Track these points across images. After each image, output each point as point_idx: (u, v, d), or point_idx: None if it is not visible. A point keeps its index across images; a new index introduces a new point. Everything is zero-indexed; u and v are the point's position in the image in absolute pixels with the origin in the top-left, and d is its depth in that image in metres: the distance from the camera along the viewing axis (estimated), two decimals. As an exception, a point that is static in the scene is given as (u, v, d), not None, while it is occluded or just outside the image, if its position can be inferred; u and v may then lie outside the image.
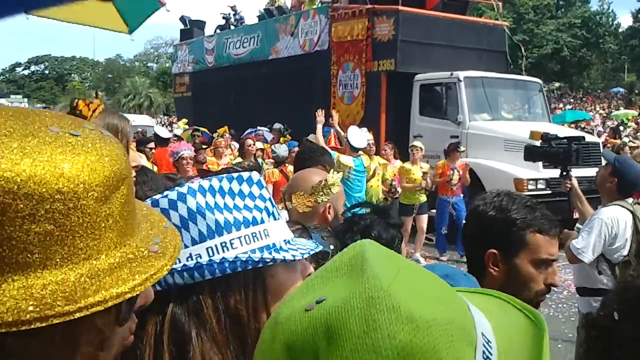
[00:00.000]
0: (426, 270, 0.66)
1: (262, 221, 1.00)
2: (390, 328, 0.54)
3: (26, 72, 77.56)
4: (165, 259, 0.68)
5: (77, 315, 0.58)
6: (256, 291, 0.96)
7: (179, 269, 0.92)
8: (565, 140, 5.37)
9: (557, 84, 38.86)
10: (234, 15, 18.66)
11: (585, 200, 4.31)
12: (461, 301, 0.63)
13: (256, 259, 0.93)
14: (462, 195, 9.69)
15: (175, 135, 13.34)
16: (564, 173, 4.61)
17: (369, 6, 12.57)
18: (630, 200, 3.94)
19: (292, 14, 15.13)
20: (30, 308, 0.56)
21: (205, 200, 0.96)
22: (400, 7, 12.07)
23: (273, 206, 1.04)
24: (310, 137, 10.87)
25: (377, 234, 1.95)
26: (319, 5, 14.85)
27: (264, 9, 16.79)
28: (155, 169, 8.16)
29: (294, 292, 0.66)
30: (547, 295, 1.95)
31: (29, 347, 0.60)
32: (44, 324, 0.57)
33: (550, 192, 9.31)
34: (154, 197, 0.99)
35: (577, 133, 10.47)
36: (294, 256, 0.99)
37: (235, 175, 1.02)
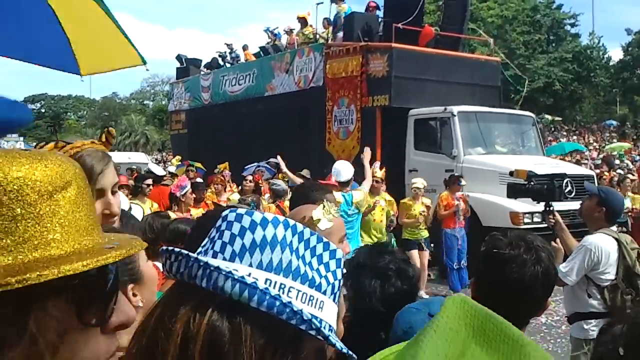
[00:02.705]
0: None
1: (325, 292, 0.95)
2: None
3: (22, 110, 77.83)
4: (123, 250, 0.71)
5: (17, 285, 0.61)
6: (286, 353, 0.90)
7: (236, 277, 0.88)
8: (547, 177, 5.60)
9: (549, 118, 39.12)
10: (230, 53, 18.88)
11: (569, 234, 4.52)
12: None
13: (305, 318, 0.88)
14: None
15: (169, 173, 13.33)
16: (548, 209, 4.85)
17: (362, 43, 12.74)
18: (614, 228, 4.25)
19: (287, 52, 15.33)
20: None
21: (291, 239, 0.95)
22: (393, 44, 12.24)
23: (338, 289, 0.99)
24: (304, 172, 10.91)
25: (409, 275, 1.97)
26: (308, 37, 15.13)
27: (260, 47, 17.01)
28: (155, 206, 8.14)
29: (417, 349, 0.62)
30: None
31: None
32: None
33: (546, 224, 9.31)
34: (238, 210, 0.97)
35: (562, 169, 10.56)
36: (340, 347, 0.92)
37: (325, 240, 1.00)
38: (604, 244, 4.03)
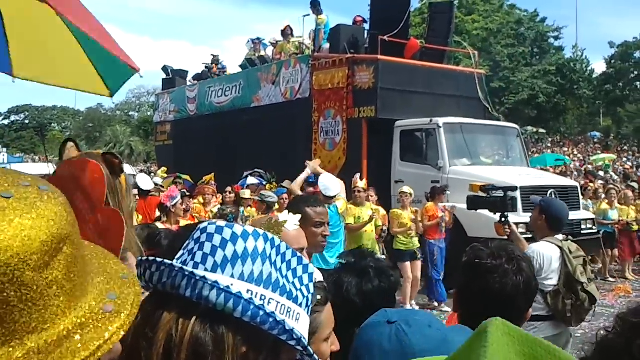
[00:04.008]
0: None
1: (300, 305, 0.98)
2: None
3: (6, 121, 77.24)
4: (122, 319, 0.65)
5: None
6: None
7: (222, 286, 0.89)
8: (501, 190, 5.87)
9: (532, 129, 39.45)
10: (217, 64, 18.87)
11: (525, 243, 4.70)
12: None
13: (287, 328, 0.90)
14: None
15: (155, 184, 13.16)
16: (503, 219, 5.13)
17: (349, 55, 12.81)
18: (560, 237, 4.39)
19: (274, 63, 15.36)
20: None
21: (270, 251, 0.97)
22: (379, 56, 12.32)
23: (310, 303, 1.03)
24: (285, 183, 10.87)
25: (381, 281, 1.96)
26: (296, 45, 15.16)
27: (246, 59, 17.01)
28: (140, 218, 8.07)
29: None
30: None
31: None
32: None
33: (530, 235, 9.36)
34: (218, 223, 0.98)
35: (545, 180, 10.70)
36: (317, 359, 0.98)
37: (299, 254, 1.02)
38: (545, 252, 4.22)
